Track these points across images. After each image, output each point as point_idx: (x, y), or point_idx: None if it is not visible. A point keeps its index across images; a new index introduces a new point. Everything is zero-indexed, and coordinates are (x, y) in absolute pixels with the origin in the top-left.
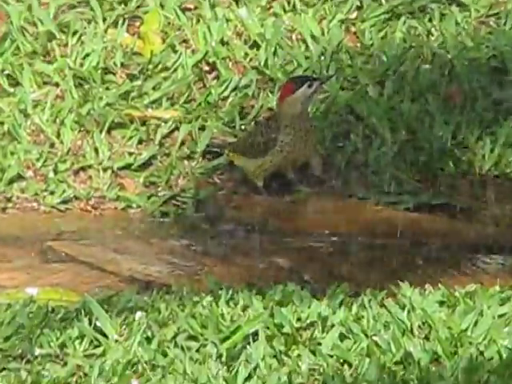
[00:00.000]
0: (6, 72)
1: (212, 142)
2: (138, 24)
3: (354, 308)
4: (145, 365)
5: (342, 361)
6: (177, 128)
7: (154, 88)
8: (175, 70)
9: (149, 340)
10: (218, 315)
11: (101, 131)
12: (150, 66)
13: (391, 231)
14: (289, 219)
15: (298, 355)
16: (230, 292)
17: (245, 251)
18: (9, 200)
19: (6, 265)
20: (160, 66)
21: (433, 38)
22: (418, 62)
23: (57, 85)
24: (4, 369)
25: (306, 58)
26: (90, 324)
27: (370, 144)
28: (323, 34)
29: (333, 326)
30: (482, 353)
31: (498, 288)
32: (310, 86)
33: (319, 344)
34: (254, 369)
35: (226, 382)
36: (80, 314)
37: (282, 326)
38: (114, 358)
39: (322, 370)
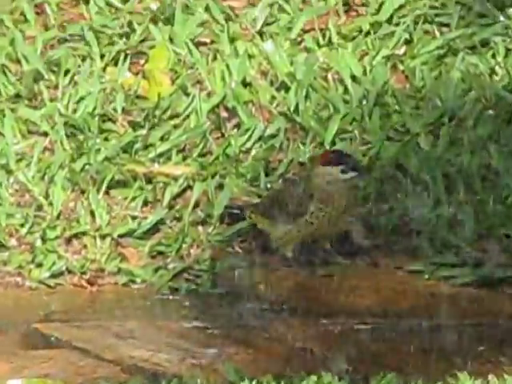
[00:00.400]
0: None
1: (231, 204)
2: (142, 61)
3: None
4: None
5: None
6: (189, 187)
7: (161, 138)
8: (187, 116)
9: None
10: None
11: (98, 191)
12: (157, 112)
13: (447, 310)
14: (323, 296)
15: None
16: None
17: (271, 335)
18: None
19: None
20: (169, 112)
21: (497, 78)
22: (480, 107)
23: (45, 134)
24: None
25: (345, 102)
26: None
27: (422, 205)
28: (365, 73)
29: None
30: None
31: None
32: (343, 172)
33: None
34: None
35: None
36: None
37: None
38: None
39: None
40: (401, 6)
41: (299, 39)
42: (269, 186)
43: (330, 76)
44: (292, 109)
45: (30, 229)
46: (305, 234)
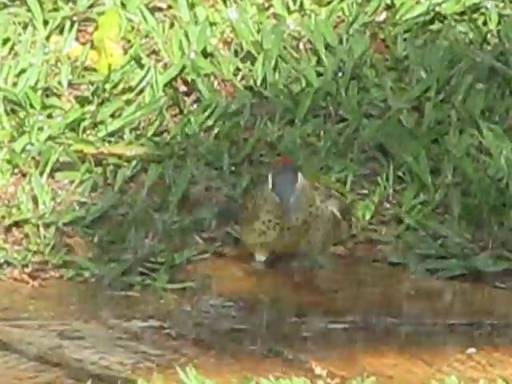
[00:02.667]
0: None
1: (191, 189)
2: (90, 29)
3: None
4: None
5: None
6: (144, 169)
7: (112, 115)
8: (141, 90)
9: None
10: None
11: (41, 174)
12: (108, 86)
13: (434, 308)
14: (294, 293)
15: None
16: None
17: (236, 336)
18: None
19: None
20: (121, 86)
21: (489, 48)
22: (470, 80)
23: None
24: None
25: (318, 74)
26: None
27: (404, 190)
28: (341, 42)
29: None
30: None
31: None
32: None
33: None
34: None
35: None
36: None
37: None
38: None
39: None
40: None
41: (267, 4)
42: (233, 169)
43: (301, 45)
44: (259, 82)
45: None
46: (269, 242)
